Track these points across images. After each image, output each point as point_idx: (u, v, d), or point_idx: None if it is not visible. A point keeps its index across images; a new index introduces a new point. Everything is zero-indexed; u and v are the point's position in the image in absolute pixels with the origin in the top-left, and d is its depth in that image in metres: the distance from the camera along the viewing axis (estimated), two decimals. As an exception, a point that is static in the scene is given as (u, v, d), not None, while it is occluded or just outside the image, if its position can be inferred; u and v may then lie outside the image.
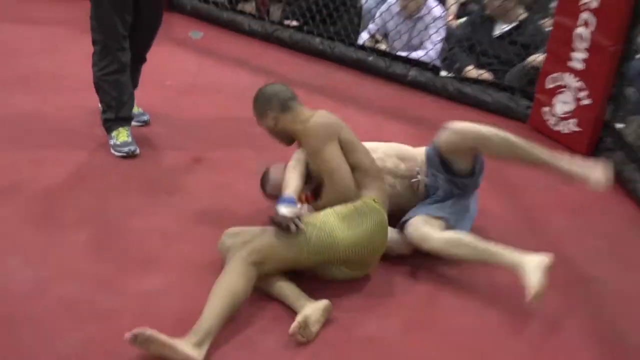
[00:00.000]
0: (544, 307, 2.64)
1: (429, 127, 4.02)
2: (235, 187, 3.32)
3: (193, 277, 2.68)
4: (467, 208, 2.99)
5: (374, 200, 2.64)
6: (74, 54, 4.68)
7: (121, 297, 2.54)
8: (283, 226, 2.48)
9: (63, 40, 4.94)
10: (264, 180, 2.99)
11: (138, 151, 3.51)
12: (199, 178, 3.40)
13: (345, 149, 2.69)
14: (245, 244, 2.48)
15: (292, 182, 2.67)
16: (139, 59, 3.63)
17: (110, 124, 3.51)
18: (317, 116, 2.71)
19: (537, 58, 4.46)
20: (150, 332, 2.22)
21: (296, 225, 2.49)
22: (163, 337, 2.23)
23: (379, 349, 2.41)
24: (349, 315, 2.56)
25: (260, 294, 2.56)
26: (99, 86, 3.44)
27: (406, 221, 2.85)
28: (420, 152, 3.07)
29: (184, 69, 4.72)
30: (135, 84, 3.69)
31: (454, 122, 2.80)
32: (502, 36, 4.75)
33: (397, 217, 2.94)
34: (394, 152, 3.03)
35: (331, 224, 2.54)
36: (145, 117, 3.85)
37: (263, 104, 2.78)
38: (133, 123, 3.71)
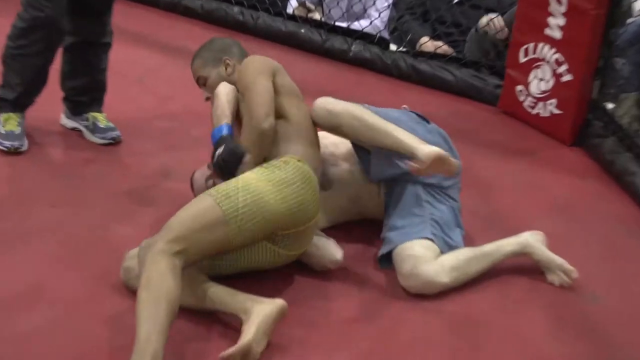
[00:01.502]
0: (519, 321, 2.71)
1: (379, 114, 4.13)
2: (138, 192, 3.28)
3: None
4: (449, 203, 3.01)
5: (298, 160, 2.71)
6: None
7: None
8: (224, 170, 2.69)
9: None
10: (192, 185, 3.11)
11: (24, 148, 3.45)
12: (94, 178, 3.34)
13: (281, 88, 2.84)
14: (159, 234, 2.48)
15: (226, 109, 2.80)
16: (89, 43, 3.57)
17: (2, 104, 3.47)
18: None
19: (491, 18, 4.47)
20: None
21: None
22: None
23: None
24: (296, 350, 2.49)
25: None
26: (7, 63, 3.43)
27: (389, 251, 2.88)
28: None
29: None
30: (94, 79, 3.66)
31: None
32: (462, 0, 4.77)
33: (361, 223, 3.06)
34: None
35: (257, 186, 2.58)
36: (115, 134, 3.65)
37: (221, 50, 3.03)
38: (98, 140, 3.62)
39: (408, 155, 2.73)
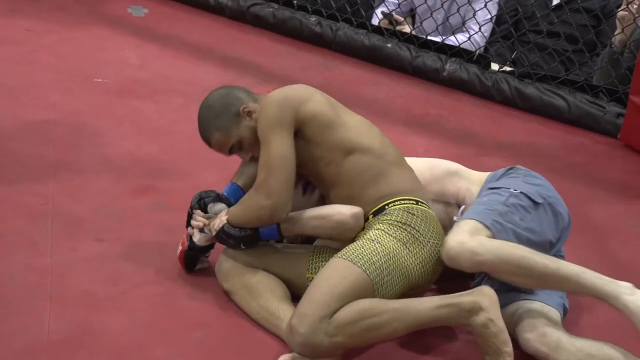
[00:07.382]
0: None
1: (477, 146, 4.15)
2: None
3: None
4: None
5: (416, 202, 2.73)
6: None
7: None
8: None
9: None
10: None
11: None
12: (143, 219, 3.31)
13: (316, 125, 2.77)
14: (305, 313, 2.53)
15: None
16: None
17: None
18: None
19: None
20: None
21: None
22: None
23: None
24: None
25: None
26: None
27: None
28: (477, 179, 3.06)
29: (121, 60, 4.72)
30: None
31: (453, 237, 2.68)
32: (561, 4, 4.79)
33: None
34: (426, 166, 3.07)
35: (395, 250, 2.63)
36: None
37: (228, 105, 2.86)
38: None
39: (605, 301, 2.53)
